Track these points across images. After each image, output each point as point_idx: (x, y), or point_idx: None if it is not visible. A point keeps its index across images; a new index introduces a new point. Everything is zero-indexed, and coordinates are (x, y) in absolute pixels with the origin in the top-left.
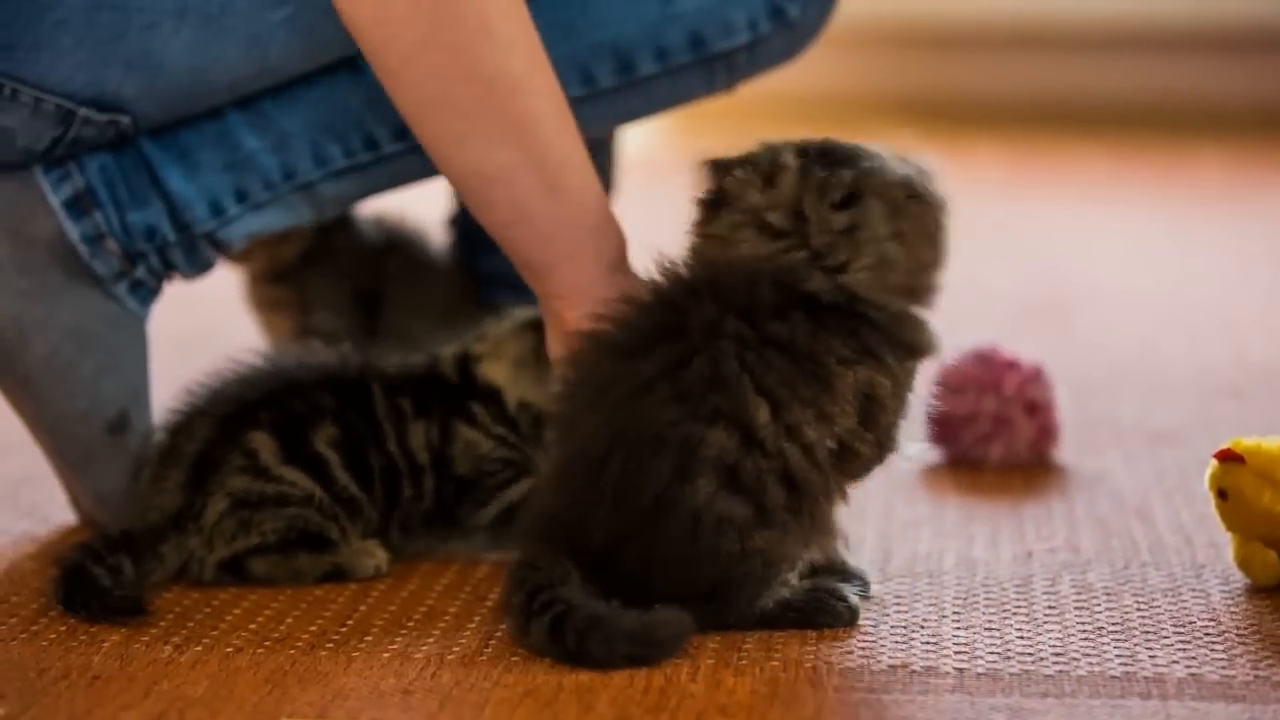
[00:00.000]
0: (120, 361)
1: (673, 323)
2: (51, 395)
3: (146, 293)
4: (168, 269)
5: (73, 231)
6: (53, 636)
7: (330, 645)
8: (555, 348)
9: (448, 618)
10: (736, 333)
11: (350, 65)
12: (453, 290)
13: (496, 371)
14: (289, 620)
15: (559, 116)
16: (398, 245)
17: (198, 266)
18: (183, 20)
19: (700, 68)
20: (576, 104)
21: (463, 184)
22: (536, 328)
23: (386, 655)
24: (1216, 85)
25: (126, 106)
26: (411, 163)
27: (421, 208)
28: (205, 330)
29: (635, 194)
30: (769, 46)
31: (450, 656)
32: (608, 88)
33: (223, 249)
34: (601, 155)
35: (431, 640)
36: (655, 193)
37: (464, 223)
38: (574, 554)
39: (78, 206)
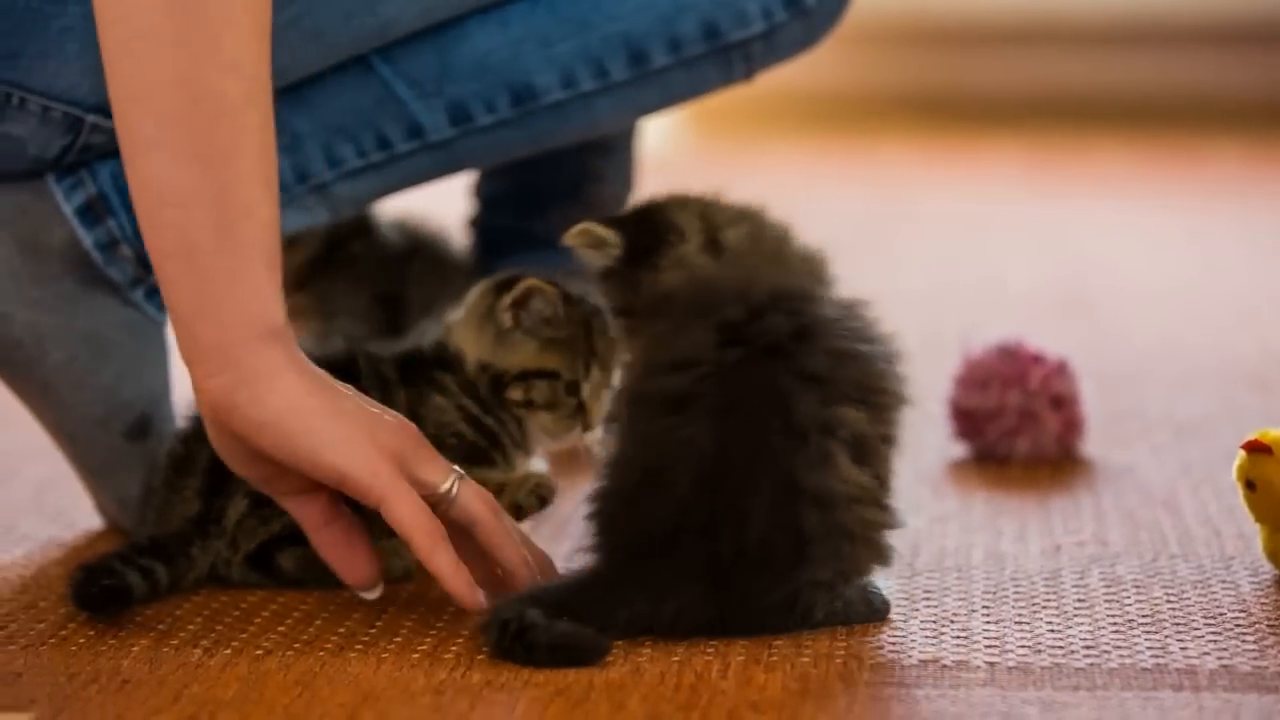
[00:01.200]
0: (140, 367)
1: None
2: (71, 402)
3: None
4: None
5: (86, 239)
6: (81, 641)
7: (360, 646)
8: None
9: (476, 617)
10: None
11: (361, 64)
12: None
13: (462, 336)
14: (318, 622)
15: (260, 160)
16: (420, 248)
17: None
18: None
19: (716, 58)
20: (590, 98)
21: (139, 195)
22: (500, 287)
23: (416, 655)
24: (1234, 79)
25: None
26: (425, 161)
27: (443, 210)
28: None
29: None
30: (786, 35)
31: (480, 656)
32: (621, 81)
33: None
34: (622, 154)
35: (461, 640)
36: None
37: (485, 225)
38: (693, 559)
39: (90, 214)
